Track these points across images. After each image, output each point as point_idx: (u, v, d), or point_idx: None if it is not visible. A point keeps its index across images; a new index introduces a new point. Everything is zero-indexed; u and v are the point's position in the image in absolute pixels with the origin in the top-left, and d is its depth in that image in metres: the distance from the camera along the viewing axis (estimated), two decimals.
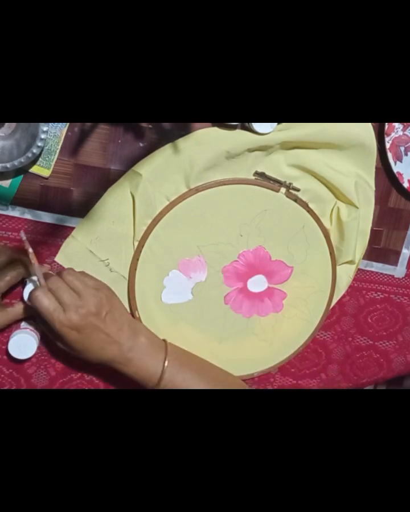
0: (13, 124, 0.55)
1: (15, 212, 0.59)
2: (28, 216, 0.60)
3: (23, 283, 0.61)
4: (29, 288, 0.57)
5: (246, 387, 0.67)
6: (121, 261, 0.63)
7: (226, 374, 0.66)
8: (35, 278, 0.58)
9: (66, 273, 0.55)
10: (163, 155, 0.59)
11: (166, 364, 0.58)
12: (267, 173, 0.63)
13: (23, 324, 0.62)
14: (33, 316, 0.59)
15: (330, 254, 0.69)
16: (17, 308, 0.58)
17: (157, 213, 0.61)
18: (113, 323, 0.56)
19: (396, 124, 0.67)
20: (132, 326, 0.59)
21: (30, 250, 0.54)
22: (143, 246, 0.61)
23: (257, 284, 0.68)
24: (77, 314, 0.53)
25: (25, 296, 0.58)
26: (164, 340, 0.62)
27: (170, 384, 0.58)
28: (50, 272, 0.59)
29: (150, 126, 0.60)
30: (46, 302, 0.52)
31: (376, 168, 0.68)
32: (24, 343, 0.59)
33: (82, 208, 0.61)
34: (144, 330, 0.60)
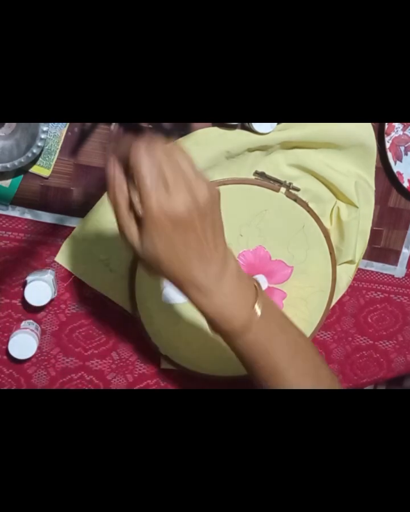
0: (13, 124, 0.55)
1: (15, 212, 0.59)
2: (28, 216, 0.60)
3: (23, 283, 0.61)
4: (29, 287, 0.57)
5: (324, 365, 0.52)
6: (120, 261, 0.63)
7: (307, 343, 0.52)
8: (35, 277, 0.58)
9: (179, 150, 0.39)
10: None
11: (259, 311, 0.43)
12: (267, 173, 0.63)
13: (23, 324, 0.62)
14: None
15: (330, 253, 0.69)
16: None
17: None
18: (212, 235, 0.40)
19: (396, 124, 0.67)
20: (227, 248, 0.43)
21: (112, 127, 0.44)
22: None
23: None
24: (183, 202, 0.37)
25: (26, 295, 0.58)
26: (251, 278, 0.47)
27: (256, 338, 0.44)
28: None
29: (150, 126, 0.60)
30: (148, 170, 0.36)
31: (376, 168, 0.68)
32: (24, 344, 0.59)
33: (82, 208, 0.61)
34: (235, 259, 0.44)
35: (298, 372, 0.47)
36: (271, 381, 0.47)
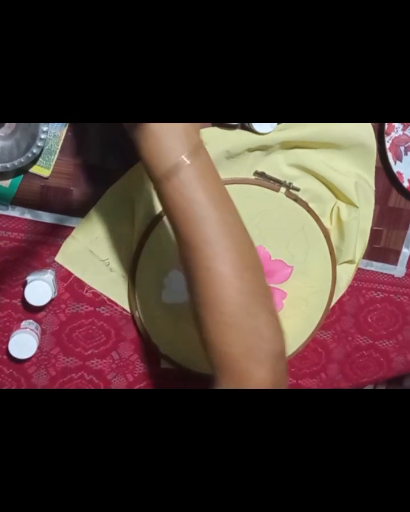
0: (13, 124, 0.55)
1: (15, 212, 0.59)
2: (28, 216, 0.60)
3: (23, 283, 0.61)
4: (29, 287, 0.57)
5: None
6: (121, 261, 0.63)
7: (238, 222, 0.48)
8: (35, 277, 0.58)
9: None
10: None
11: (187, 161, 0.43)
12: (267, 172, 0.63)
13: (23, 324, 0.62)
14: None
15: (330, 253, 0.69)
16: None
17: (157, 213, 0.61)
18: None
19: (396, 124, 0.67)
20: None
21: None
22: (143, 246, 0.61)
23: None
24: None
25: (26, 295, 0.58)
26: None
27: (180, 188, 0.43)
28: None
29: None
30: None
31: (376, 168, 0.68)
32: (24, 343, 0.59)
33: (82, 208, 0.61)
34: None
35: (216, 230, 0.44)
36: (187, 235, 0.45)
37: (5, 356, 0.63)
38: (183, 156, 0.43)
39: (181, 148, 0.43)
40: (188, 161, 0.43)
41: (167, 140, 0.43)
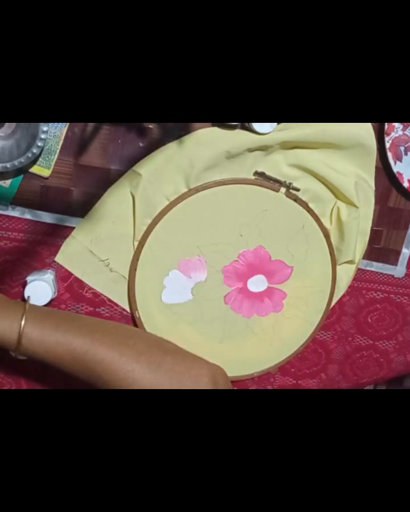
0: (13, 124, 0.55)
1: (15, 212, 0.59)
2: (28, 216, 0.60)
3: (23, 283, 0.61)
4: (29, 287, 0.57)
5: (139, 335, 0.59)
6: (120, 261, 0.63)
7: (107, 322, 0.58)
8: (35, 277, 0.59)
9: None
10: (163, 155, 0.59)
11: (23, 322, 0.50)
12: (267, 173, 0.63)
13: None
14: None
15: (330, 253, 0.69)
16: None
17: (157, 213, 0.61)
18: None
19: (396, 124, 0.67)
20: None
21: None
22: (143, 246, 0.61)
23: (257, 284, 0.68)
24: None
25: (26, 295, 0.58)
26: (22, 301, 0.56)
27: (31, 343, 0.50)
28: None
29: (150, 126, 0.60)
30: None
31: (376, 168, 0.68)
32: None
33: (82, 208, 0.61)
34: None
35: (82, 331, 0.53)
36: (84, 365, 0.52)
37: (5, 356, 0.63)
38: (21, 322, 0.50)
39: (13, 318, 0.51)
40: (23, 322, 0.50)
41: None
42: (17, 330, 0.50)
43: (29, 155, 0.54)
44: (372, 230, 0.71)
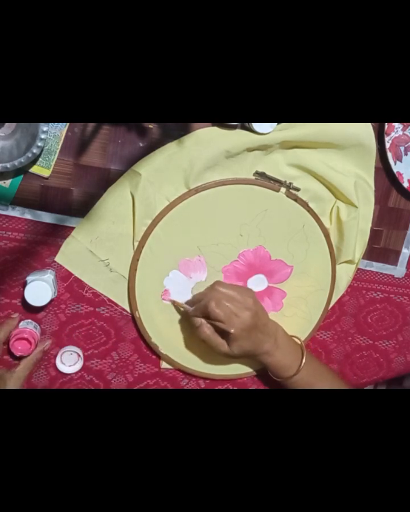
0: (13, 124, 0.55)
1: (15, 212, 0.59)
2: (28, 216, 0.60)
3: (23, 283, 0.61)
4: (29, 287, 0.57)
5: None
6: (120, 261, 0.63)
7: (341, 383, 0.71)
8: (35, 277, 0.59)
9: (217, 285, 0.61)
10: (163, 155, 0.59)
11: (303, 361, 0.65)
12: (267, 172, 0.63)
13: (22, 324, 0.62)
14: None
15: (330, 253, 0.69)
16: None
17: (157, 213, 0.61)
18: (264, 320, 0.64)
19: (396, 124, 0.67)
20: (271, 321, 0.66)
21: (177, 302, 0.64)
22: (143, 246, 0.61)
23: (257, 283, 0.68)
24: (247, 316, 0.59)
25: (26, 295, 0.58)
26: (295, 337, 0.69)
27: (301, 379, 0.65)
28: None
29: (150, 126, 0.60)
30: (221, 314, 0.58)
31: (376, 168, 0.68)
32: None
33: (82, 208, 0.61)
34: (280, 328, 0.67)
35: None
36: None
37: (6, 356, 0.63)
38: (301, 361, 0.65)
39: (296, 355, 0.66)
40: (303, 361, 0.65)
41: (287, 353, 0.66)
42: (297, 365, 0.65)
43: (29, 155, 0.54)
44: (372, 230, 0.71)
